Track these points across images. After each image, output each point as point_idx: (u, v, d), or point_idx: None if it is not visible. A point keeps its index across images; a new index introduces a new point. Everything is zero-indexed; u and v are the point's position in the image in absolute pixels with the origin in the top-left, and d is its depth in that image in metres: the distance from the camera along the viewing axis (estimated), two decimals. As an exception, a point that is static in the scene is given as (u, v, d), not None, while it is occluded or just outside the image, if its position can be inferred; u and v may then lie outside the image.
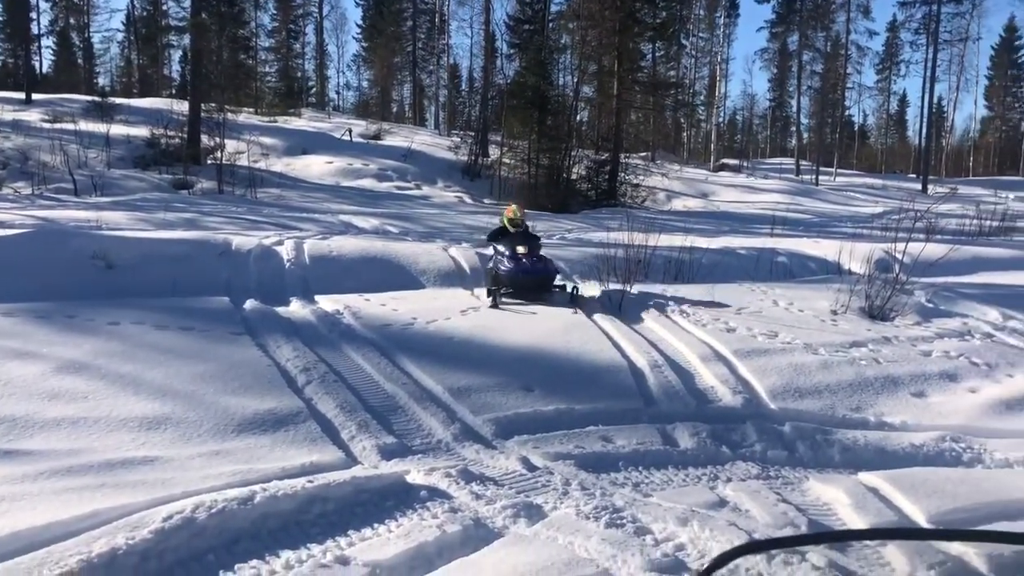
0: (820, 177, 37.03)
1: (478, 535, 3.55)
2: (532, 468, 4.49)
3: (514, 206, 9.28)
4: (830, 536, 1.48)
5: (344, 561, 3.26)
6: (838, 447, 5.15)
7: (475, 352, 6.46)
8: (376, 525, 3.69)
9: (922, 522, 3.85)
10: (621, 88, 27.07)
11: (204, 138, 24.80)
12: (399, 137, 34.24)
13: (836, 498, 4.15)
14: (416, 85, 53.68)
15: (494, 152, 29.28)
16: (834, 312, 8.26)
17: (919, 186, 34.75)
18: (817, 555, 3.42)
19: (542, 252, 8.82)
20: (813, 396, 5.99)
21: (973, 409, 5.93)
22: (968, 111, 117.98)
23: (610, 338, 7.05)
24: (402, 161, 28.04)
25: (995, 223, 18.41)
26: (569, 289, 8.48)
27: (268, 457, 4.45)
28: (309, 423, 4.92)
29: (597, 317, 7.72)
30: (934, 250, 11.28)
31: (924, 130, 40.07)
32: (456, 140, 31.32)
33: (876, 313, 8.27)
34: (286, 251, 10.21)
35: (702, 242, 12.84)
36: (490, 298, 8.15)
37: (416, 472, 4.26)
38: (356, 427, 4.92)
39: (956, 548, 3.50)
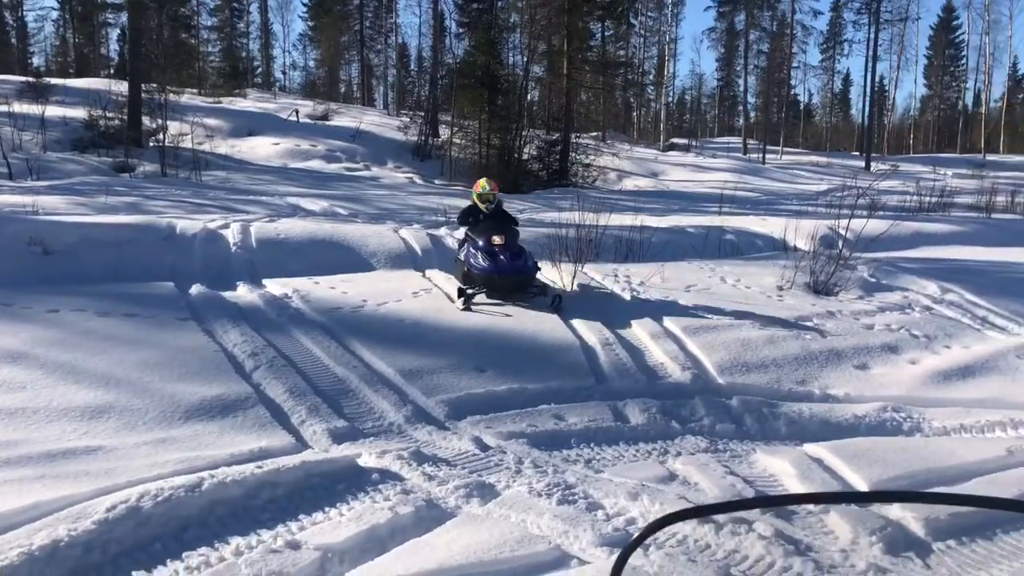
0: (767, 156, 37.58)
1: (431, 516, 3.55)
2: (485, 448, 4.50)
3: (484, 180, 8.31)
4: (761, 501, 1.48)
5: (295, 545, 3.23)
6: (784, 419, 5.27)
7: (427, 334, 6.43)
8: (327, 509, 3.66)
9: (863, 489, 3.97)
10: (571, 68, 27.03)
11: (145, 120, 24.08)
12: (347, 118, 33.75)
13: (782, 469, 4.25)
14: (364, 65, 52.85)
15: (444, 132, 29.07)
16: (780, 288, 8.42)
17: (862, 163, 35.50)
18: (763, 524, 3.50)
19: (520, 239, 7.98)
20: (760, 370, 6.10)
21: (913, 380, 6.11)
22: (908, 90, 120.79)
23: (561, 318, 7.08)
24: (351, 142, 27.67)
25: (934, 199, 18.88)
26: (550, 298, 7.40)
27: (216, 444, 4.38)
28: (258, 408, 4.85)
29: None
30: (876, 226, 11.56)
31: (867, 109, 40.91)
32: (406, 120, 30.95)
33: (820, 288, 8.45)
34: (232, 234, 10.01)
35: (652, 221, 12.95)
36: (460, 299, 7.22)
37: (368, 455, 4.23)
38: (306, 411, 4.87)
39: (895, 513, 3.62)
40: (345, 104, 43.95)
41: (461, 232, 8.42)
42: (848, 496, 3.14)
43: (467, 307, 7.13)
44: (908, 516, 3.57)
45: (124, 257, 8.90)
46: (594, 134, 34.26)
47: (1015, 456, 4.41)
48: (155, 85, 24.98)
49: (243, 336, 6.15)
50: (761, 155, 37.54)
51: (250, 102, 36.39)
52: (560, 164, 26.40)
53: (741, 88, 49.63)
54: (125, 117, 24.06)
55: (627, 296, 7.88)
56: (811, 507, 3.74)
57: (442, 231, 11.02)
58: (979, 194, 20.55)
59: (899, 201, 19.00)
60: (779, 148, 41.33)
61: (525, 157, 26.22)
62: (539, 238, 10.47)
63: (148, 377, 5.18)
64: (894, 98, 56.81)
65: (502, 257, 7.31)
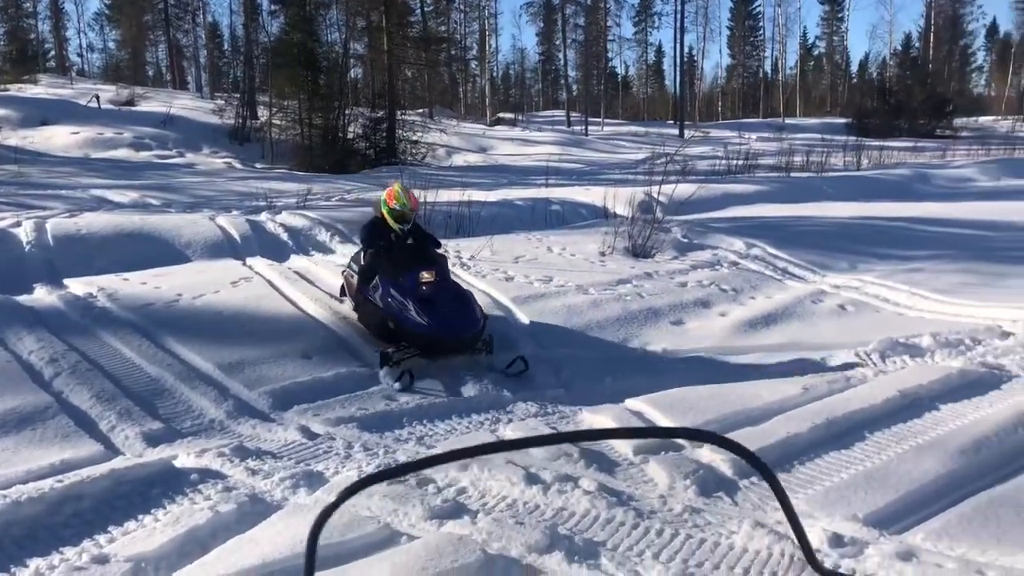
0: (589, 127, 38.85)
1: (255, 511, 3.42)
2: (312, 436, 4.38)
3: (397, 186, 6.07)
4: (459, 454, 1.41)
5: (103, 560, 3.00)
6: (609, 379, 5.48)
7: (248, 324, 6.17)
8: (141, 516, 3.44)
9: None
10: (391, 44, 26.64)
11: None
12: (157, 102, 31.60)
13: (605, 424, 4.42)
14: (172, 46, 49.58)
15: (263, 114, 27.87)
16: (602, 254, 8.75)
17: (677, 132, 37.46)
18: (588, 480, 3.64)
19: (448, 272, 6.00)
20: (588, 332, 6.32)
21: (723, 331, 6.54)
22: (715, 60, 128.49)
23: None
24: (161, 128, 25.95)
25: (740, 162, 20.24)
26: (509, 362, 5.50)
27: (12, 461, 3.99)
28: (60, 418, 4.47)
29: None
30: (688, 190, 12.27)
31: (678, 79, 43.17)
32: (221, 103, 29.39)
33: (639, 251, 8.86)
34: (25, 233, 9.14)
35: (481, 196, 13.05)
36: (385, 368, 5.25)
37: (185, 455, 4.01)
38: (116, 416, 4.54)
39: (707, 456, 3.86)
40: (154, 88, 41.13)
41: (349, 253, 6.57)
42: (563, 437, 3.25)
43: (405, 384, 5.09)
44: (718, 459, 3.82)
45: None
46: (421, 111, 34.04)
47: (809, 392, 4.83)
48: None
49: (40, 342, 5.63)
50: (584, 127, 38.74)
51: (42, 88, 33.32)
52: (387, 142, 26.03)
53: (562, 62, 50.89)
54: None
55: (458, 270, 7.90)
56: (633, 459, 3.92)
57: (263, 216, 10.59)
58: (779, 155, 22.26)
59: (710, 165, 20.25)
60: (601, 120, 42.81)
61: (350, 136, 25.64)
62: (366, 218, 10.29)
63: (-74, 396, 4.64)
64: (703, 68, 60.20)
65: (443, 307, 5.34)
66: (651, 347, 6.16)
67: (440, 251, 6.19)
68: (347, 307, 6.45)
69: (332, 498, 0.94)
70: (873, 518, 3.23)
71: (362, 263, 6.04)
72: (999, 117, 48.34)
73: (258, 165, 23.35)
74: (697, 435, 1.15)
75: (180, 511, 3.40)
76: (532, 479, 3.64)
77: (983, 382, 5.05)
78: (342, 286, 6.61)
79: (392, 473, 1.03)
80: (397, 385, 5.09)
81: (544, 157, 23.59)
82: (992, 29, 65.73)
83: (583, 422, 4.62)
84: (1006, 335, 6.12)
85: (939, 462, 3.72)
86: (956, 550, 3.01)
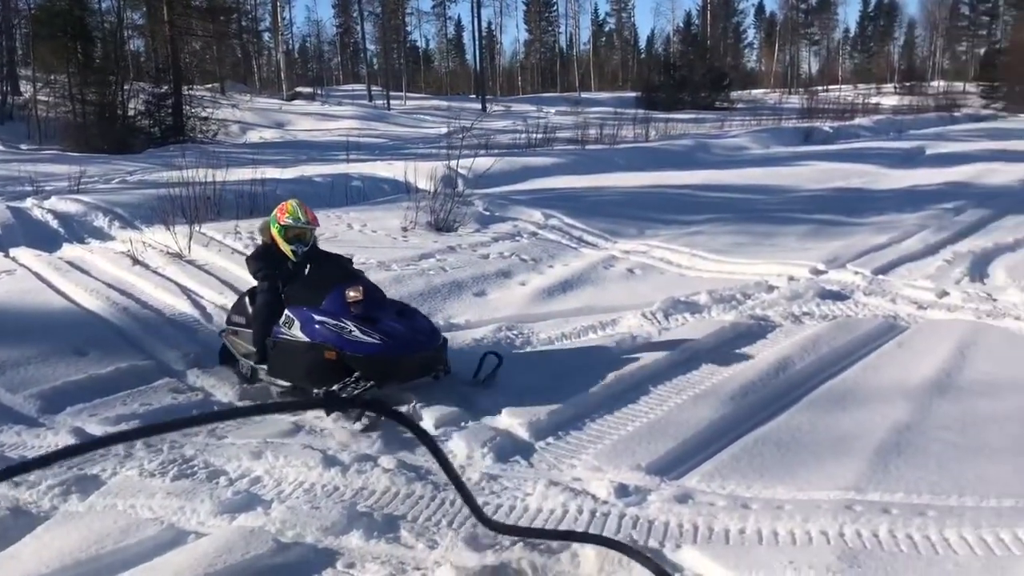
0: (392, 102, 38.39)
1: (18, 525, 3.10)
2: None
3: (293, 203, 4.89)
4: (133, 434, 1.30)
5: None
6: (411, 354, 5.46)
7: (11, 322, 5.56)
8: None
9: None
10: (172, 14, 24.82)
11: None
12: None
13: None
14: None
15: (27, 89, 25.13)
16: (405, 229, 8.70)
17: (480, 106, 37.88)
18: (387, 459, 3.62)
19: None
20: (387, 310, 6.26)
21: (523, 300, 6.72)
22: (513, 35, 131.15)
23: (178, 283, 6.59)
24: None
25: (540, 135, 20.81)
26: (482, 367, 4.69)
27: None
28: None
29: (161, 261, 7.16)
30: (489, 163, 12.44)
31: (477, 53, 43.62)
32: (-26, 77, 26.16)
33: (442, 225, 8.89)
34: None
35: (276, 173, 12.53)
36: (334, 414, 4.10)
37: (-67, 473, 3.55)
38: None
39: (505, 422, 3.97)
40: None
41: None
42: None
43: (365, 424, 4.02)
44: (515, 423, 3.93)
45: None
46: (211, 86, 32.12)
47: (600, 353, 5.07)
48: None
49: None
50: (386, 101, 38.23)
51: None
52: (174, 119, 24.33)
53: (360, 35, 49.81)
54: None
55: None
56: (435, 433, 3.94)
57: (28, 202, 9.56)
58: (576, 129, 23.09)
59: (511, 139, 20.66)
60: (403, 94, 42.42)
61: (132, 113, 23.71)
62: (149, 200, 9.59)
63: None
64: (502, 43, 61.26)
65: (391, 322, 4.41)
66: (454, 319, 6.20)
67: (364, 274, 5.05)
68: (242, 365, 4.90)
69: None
70: (655, 467, 3.46)
71: (258, 300, 4.72)
72: (769, 90, 53.08)
73: (23, 146, 21.06)
74: (351, 403, 1.12)
75: (-75, 537, 3.02)
76: (331, 462, 3.57)
77: (751, 333, 5.54)
78: (222, 351, 5.10)
79: (33, 464, 0.95)
80: (358, 426, 4.00)
81: (345, 132, 23.05)
82: (760, 8, 71.86)
83: (388, 396, 4.58)
84: (772, 288, 6.73)
85: (712, 409, 4.04)
86: (726, 488, 3.29)
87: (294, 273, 4.76)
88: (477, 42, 42.48)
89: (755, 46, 71.81)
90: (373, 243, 8.03)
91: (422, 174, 11.63)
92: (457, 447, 3.77)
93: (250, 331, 4.72)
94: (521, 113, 31.78)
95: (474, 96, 45.18)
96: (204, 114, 24.91)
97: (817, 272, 7.12)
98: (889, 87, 54.76)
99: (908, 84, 54.41)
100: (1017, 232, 8.46)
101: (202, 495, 3.21)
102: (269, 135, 26.42)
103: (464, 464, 3.61)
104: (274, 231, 4.82)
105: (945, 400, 4.13)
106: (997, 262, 7.34)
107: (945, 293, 6.32)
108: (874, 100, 40.70)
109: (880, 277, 6.92)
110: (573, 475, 3.49)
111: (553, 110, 35.41)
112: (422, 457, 3.69)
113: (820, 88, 46.20)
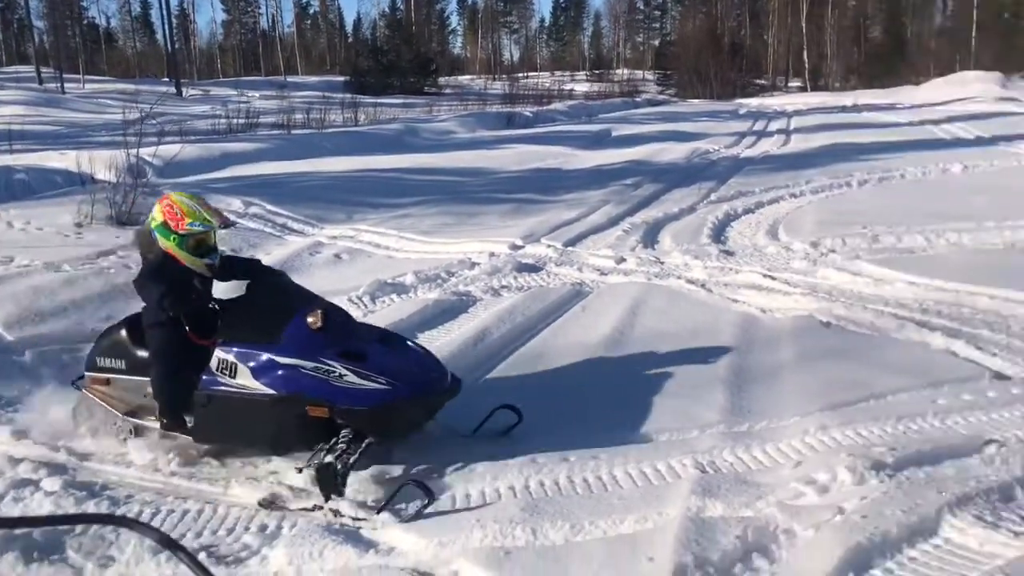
0: (67, 85, 34.31)
1: None
2: None
3: (184, 199, 3.58)
4: None
5: None
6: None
7: None
8: None
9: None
10: None
11: None
12: None
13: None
14: None
15: None
16: (79, 224, 7.86)
17: (175, 90, 35.12)
18: (50, 481, 3.24)
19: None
20: (58, 316, 5.59)
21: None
22: (209, 15, 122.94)
23: None
24: None
25: (242, 121, 19.79)
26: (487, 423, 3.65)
27: None
28: None
29: None
30: (187, 151, 11.61)
31: (169, 32, 40.36)
32: None
33: (125, 219, 8.13)
34: None
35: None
36: (333, 493, 3.04)
37: None
38: None
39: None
40: None
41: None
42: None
43: (336, 494, 3.05)
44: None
45: None
46: None
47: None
48: None
49: None
50: (59, 85, 34.09)
51: None
52: None
53: (24, 9, 43.84)
54: None
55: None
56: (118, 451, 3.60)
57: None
58: (281, 113, 22.27)
59: (210, 125, 19.42)
60: (81, 76, 38.12)
61: None
62: None
63: None
64: (196, 22, 57.25)
65: (383, 356, 3.35)
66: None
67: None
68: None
69: None
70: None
71: (156, 337, 3.52)
72: (475, 76, 55.16)
73: None
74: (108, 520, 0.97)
75: None
76: None
77: (454, 308, 5.71)
78: (76, 408, 3.85)
79: None
80: (380, 515, 2.94)
81: (9, 119, 20.20)
82: (462, -3, 74.21)
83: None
84: (474, 265, 6.99)
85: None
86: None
87: (208, 295, 3.58)
88: (166, 20, 39.30)
89: (459, 32, 74.21)
90: (39, 242, 7.15)
91: (102, 163, 10.56)
92: (137, 456, 3.46)
93: (139, 379, 3.59)
94: (221, 97, 30.00)
95: (168, 79, 41.83)
96: None
97: (515, 247, 7.51)
98: (581, 74, 59.55)
99: (597, 72, 59.61)
100: (682, 203, 9.59)
101: None
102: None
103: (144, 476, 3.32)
104: (168, 245, 3.50)
105: (616, 354, 4.57)
106: (665, 230, 8.25)
107: (622, 259, 6.99)
108: (568, 86, 44.01)
109: (569, 248, 7.48)
110: (269, 468, 3.37)
111: (257, 94, 33.85)
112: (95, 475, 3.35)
113: (521, 75, 48.96)
